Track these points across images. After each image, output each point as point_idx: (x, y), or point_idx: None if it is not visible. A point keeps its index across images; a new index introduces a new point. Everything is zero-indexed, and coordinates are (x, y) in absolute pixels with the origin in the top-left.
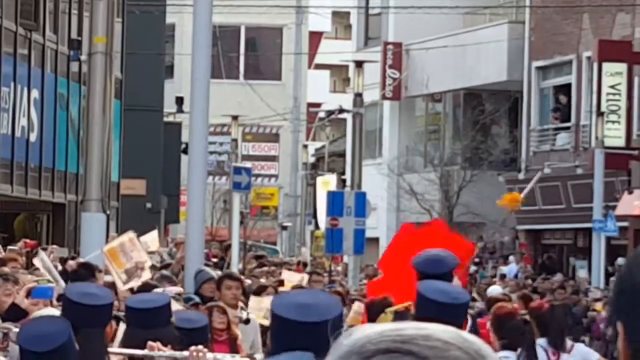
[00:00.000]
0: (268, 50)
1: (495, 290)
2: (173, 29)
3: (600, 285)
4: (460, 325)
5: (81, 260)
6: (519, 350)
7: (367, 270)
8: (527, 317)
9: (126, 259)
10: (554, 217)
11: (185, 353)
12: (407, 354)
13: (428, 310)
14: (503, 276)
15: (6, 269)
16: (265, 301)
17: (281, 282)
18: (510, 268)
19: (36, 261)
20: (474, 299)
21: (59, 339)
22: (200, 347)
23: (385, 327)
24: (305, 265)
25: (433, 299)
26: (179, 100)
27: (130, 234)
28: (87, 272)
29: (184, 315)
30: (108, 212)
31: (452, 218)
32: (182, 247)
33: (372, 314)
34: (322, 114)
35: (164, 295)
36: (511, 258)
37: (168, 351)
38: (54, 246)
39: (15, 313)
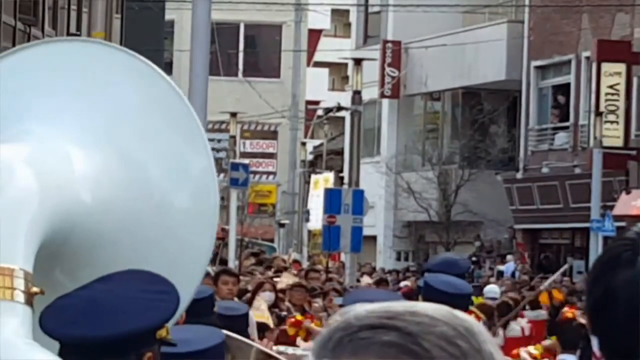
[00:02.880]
0: (267, 48)
1: (492, 289)
2: (172, 25)
3: None
4: None
5: None
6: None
7: (364, 269)
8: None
9: None
10: (552, 217)
11: None
12: (392, 329)
13: (433, 299)
14: (500, 274)
15: None
16: (262, 300)
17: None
18: (508, 266)
19: None
20: None
21: None
22: None
23: (375, 306)
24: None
25: (438, 288)
26: None
27: None
28: None
29: (225, 304)
30: None
31: (449, 217)
32: None
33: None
34: (320, 112)
35: (207, 287)
36: (509, 257)
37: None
38: None
39: None
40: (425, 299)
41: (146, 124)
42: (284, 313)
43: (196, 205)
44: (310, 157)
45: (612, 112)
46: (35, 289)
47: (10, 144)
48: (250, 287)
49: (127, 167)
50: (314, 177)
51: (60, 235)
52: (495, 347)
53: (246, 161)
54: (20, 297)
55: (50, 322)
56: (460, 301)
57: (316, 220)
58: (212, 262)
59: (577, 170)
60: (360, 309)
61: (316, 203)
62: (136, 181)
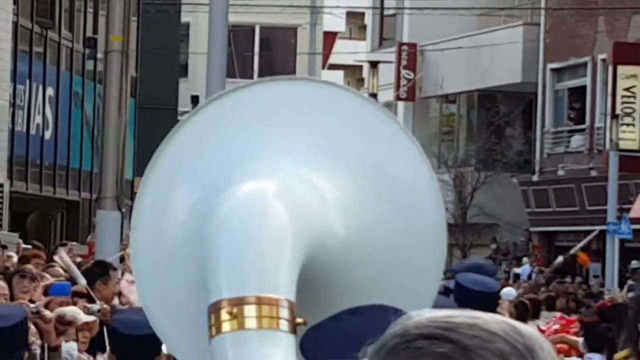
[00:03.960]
0: (282, 50)
1: (508, 292)
2: (187, 27)
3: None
4: (491, 311)
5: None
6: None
7: None
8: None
9: None
10: (568, 219)
11: None
12: (447, 341)
13: (463, 296)
14: (516, 277)
15: (30, 266)
16: None
17: None
18: (524, 269)
19: (56, 258)
20: None
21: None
22: None
23: (438, 314)
24: None
25: (467, 287)
26: (195, 99)
27: None
28: (102, 270)
29: None
30: (123, 209)
31: (465, 219)
32: None
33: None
34: None
35: None
36: (525, 260)
37: None
38: (74, 243)
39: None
40: (457, 299)
41: (384, 154)
42: None
43: (431, 234)
44: None
45: (628, 114)
46: (299, 320)
47: (256, 179)
48: None
49: (370, 193)
50: None
51: (311, 265)
52: None
53: None
54: (285, 326)
55: (313, 353)
56: (488, 298)
57: None
58: None
59: (593, 173)
60: (422, 317)
61: None
62: (380, 208)
